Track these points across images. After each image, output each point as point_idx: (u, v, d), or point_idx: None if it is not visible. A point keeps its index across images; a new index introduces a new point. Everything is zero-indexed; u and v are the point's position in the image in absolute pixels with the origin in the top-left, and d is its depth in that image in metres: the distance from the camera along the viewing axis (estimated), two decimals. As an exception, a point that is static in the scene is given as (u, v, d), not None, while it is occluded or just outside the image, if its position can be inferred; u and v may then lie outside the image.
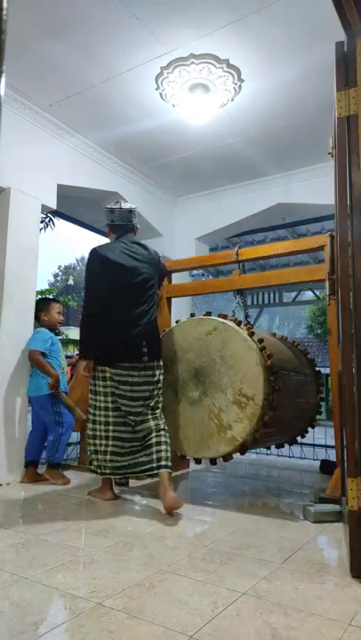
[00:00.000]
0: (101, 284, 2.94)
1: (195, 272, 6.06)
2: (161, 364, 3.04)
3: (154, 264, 3.17)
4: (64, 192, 4.50)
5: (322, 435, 5.70)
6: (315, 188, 5.08)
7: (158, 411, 2.98)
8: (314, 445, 5.34)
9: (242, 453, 2.88)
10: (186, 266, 4.03)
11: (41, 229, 5.51)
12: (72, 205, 5.44)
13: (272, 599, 1.61)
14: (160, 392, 3.01)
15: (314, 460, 4.87)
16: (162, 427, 2.92)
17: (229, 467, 4.38)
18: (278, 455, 5.18)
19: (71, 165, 4.48)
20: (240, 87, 3.77)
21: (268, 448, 4.44)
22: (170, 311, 4.08)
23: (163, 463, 2.79)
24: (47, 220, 6.54)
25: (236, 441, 2.77)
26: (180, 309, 5.51)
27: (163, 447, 2.84)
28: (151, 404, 2.95)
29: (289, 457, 5.11)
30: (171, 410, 3.08)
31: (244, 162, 5.02)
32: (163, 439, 2.87)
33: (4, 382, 3.51)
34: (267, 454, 5.22)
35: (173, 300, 4.39)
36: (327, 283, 2.49)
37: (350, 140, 1.96)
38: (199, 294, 4.26)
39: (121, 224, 3.17)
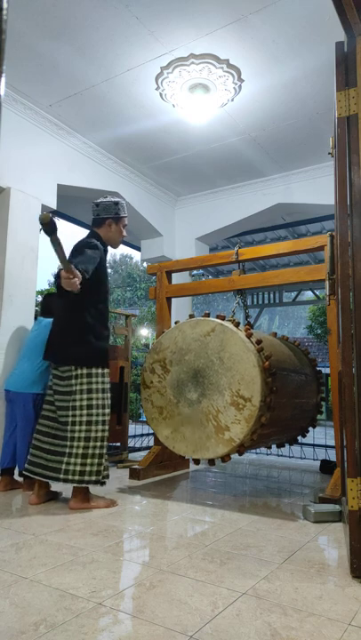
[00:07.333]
0: None
1: (195, 272, 6.07)
2: (78, 372, 2.83)
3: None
4: (64, 192, 4.50)
5: (322, 435, 5.71)
6: (315, 188, 5.09)
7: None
8: (314, 445, 5.35)
9: (240, 454, 2.88)
10: (186, 266, 4.03)
11: (41, 229, 5.52)
12: (72, 205, 5.44)
13: (272, 599, 1.61)
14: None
15: (314, 460, 4.87)
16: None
17: (229, 467, 4.38)
18: (278, 455, 5.18)
19: (71, 165, 4.48)
20: (240, 87, 3.77)
21: (269, 448, 4.44)
22: (170, 311, 4.08)
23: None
24: (47, 219, 6.54)
25: (233, 442, 2.77)
26: (179, 310, 5.52)
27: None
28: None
29: (289, 457, 5.11)
30: (169, 411, 3.08)
31: (244, 162, 5.02)
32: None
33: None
34: (267, 454, 5.22)
35: (173, 300, 4.39)
36: (327, 283, 2.49)
37: (350, 140, 1.96)
38: (199, 294, 4.26)
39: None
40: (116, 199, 3.09)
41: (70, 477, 2.70)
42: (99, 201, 3.06)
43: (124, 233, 3.12)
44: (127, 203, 5.17)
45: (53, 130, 4.26)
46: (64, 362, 2.84)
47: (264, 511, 2.80)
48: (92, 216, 3.06)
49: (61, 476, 2.72)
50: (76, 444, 2.74)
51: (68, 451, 2.75)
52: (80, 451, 2.73)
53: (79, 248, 2.83)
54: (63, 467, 2.73)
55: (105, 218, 3.02)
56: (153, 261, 5.53)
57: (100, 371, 2.85)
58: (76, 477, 2.70)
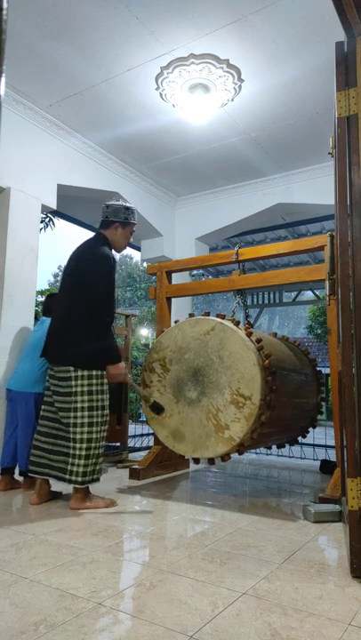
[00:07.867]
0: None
1: (195, 272, 6.06)
2: (79, 373, 2.82)
3: (78, 263, 2.94)
4: (64, 192, 4.50)
5: (322, 435, 5.71)
6: (315, 188, 5.09)
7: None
8: (314, 445, 5.35)
9: (240, 453, 2.88)
10: (186, 266, 4.02)
11: (41, 229, 5.52)
12: (72, 205, 5.45)
13: (272, 599, 1.61)
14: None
15: (314, 460, 4.87)
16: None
17: (229, 467, 4.38)
18: (278, 455, 5.18)
19: (71, 165, 4.48)
20: (240, 87, 3.77)
21: (269, 448, 4.44)
22: (170, 311, 4.08)
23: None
24: (47, 220, 6.55)
25: (233, 441, 2.77)
26: (179, 310, 5.52)
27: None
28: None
29: (289, 457, 5.11)
30: (169, 410, 3.08)
31: (244, 162, 5.02)
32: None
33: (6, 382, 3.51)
34: (267, 454, 5.22)
35: (173, 300, 4.39)
36: (327, 283, 2.49)
37: (350, 140, 1.96)
38: (199, 294, 4.26)
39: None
40: (128, 204, 3.08)
41: (74, 478, 2.73)
42: (109, 203, 3.06)
43: (131, 239, 3.13)
44: (127, 203, 5.18)
45: (53, 130, 4.26)
46: (64, 363, 2.84)
47: (264, 511, 2.79)
48: (101, 217, 3.06)
49: (67, 476, 2.76)
50: (78, 445, 2.75)
51: (71, 452, 2.77)
52: (83, 452, 2.75)
53: (95, 282, 2.81)
54: (69, 467, 2.76)
55: (113, 221, 3.02)
56: (153, 261, 5.53)
57: (99, 372, 2.86)
58: (80, 479, 2.72)
